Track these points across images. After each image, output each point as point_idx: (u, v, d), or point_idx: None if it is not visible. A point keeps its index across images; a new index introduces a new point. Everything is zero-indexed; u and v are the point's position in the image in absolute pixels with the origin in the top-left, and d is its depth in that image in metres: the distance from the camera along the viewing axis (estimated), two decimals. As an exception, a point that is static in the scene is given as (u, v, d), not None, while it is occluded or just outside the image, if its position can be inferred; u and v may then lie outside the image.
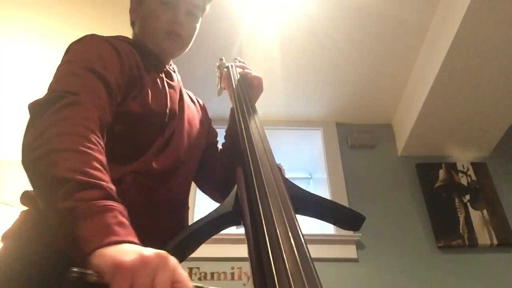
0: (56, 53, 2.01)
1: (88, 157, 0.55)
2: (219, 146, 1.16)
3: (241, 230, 0.67)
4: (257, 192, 0.52)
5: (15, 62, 2.08)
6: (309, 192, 0.65)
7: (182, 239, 0.59)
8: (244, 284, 1.94)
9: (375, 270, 2.02)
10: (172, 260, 0.45)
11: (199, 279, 1.96)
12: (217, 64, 1.25)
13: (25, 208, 0.76)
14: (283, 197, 0.51)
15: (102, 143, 0.61)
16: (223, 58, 1.25)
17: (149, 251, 0.44)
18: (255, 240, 0.48)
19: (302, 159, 2.74)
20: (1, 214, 2.33)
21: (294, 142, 2.64)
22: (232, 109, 1.11)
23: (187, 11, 0.96)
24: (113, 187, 0.54)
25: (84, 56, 0.77)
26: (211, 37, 1.96)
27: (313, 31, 2.03)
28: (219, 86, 1.22)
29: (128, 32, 1.03)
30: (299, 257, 0.41)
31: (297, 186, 0.63)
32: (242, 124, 0.80)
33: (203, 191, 1.11)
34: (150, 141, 0.82)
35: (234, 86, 1.05)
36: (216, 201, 1.13)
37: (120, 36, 0.93)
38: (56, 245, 0.65)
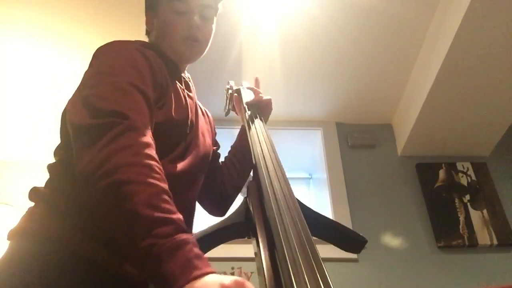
0: (58, 54, 2.01)
1: (156, 188, 0.58)
2: (221, 159, 1.18)
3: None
4: (272, 206, 0.53)
5: (17, 62, 2.08)
6: (314, 211, 0.66)
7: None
8: (244, 284, 1.94)
9: (375, 270, 2.02)
10: (248, 284, 0.49)
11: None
12: (227, 87, 1.29)
13: (32, 205, 0.75)
14: (298, 212, 0.53)
15: (161, 168, 0.63)
16: (233, 82, 1.30)
17: (228, 280, 0.49)
18: (270, 250, 0.51)
19: (302, 159, 2.74)
20: (1, 214, 2.32)
21: (294, 142, 2.64)
22: (242, 127, 1.14)
23: (200, 15, 0.97)
24: (180, 216, 0.57)
25: (122, 68, 0.76)
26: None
27: (313, 31, 2.03)
28: (227, 108, 1.26)
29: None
30: (315, 264, 0.43)
31: (303, 203, 0.64)
32: (258, 140, 0.82)
33: (200, 203, 1.11)
34: (171, 151, 0.83)
35: (245, 107, 1.08)
36: (212, 214, 1.13)
37: (142, 41, 0.93)
38: (69, 244, 0.66)
